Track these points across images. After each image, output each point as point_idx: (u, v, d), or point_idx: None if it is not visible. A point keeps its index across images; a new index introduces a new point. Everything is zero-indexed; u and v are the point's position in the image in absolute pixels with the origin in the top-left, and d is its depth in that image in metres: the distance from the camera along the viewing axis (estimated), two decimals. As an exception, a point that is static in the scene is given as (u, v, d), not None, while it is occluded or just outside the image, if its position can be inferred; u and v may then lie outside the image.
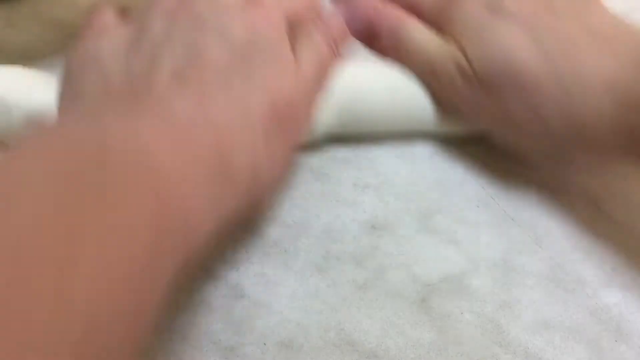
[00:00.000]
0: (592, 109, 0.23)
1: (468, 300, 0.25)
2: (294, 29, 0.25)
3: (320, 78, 0.26)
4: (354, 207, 0.27)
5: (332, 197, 0.28)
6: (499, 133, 0.28)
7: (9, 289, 0.12)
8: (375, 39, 0.28)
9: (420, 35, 0.27)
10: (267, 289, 0.24)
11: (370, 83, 0.28)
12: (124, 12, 0.26)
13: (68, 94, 0.24)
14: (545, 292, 0.25)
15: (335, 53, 0.26)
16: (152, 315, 0.16)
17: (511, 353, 0.23)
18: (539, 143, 0.26)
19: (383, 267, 0.25)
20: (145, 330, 0.16)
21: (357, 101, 0.27)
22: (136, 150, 0.17)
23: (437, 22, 0.28)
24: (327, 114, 0.27)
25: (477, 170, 0.29)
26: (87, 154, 0.16)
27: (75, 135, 0.17)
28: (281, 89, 0.23)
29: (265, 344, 0.23)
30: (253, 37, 0.23)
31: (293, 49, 0.25)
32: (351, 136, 0.29)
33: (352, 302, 0.24)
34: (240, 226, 0.25)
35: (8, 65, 0.27)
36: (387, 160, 0.30)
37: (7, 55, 0.33)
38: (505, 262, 0.26)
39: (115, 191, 0.15)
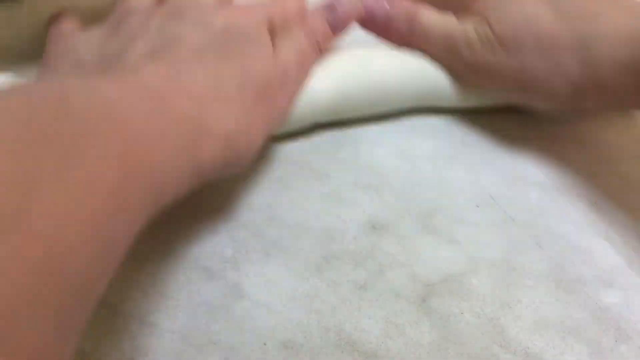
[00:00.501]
0: (611, 60, 0.26)
1: (468, 300, 0.25)
2: (277, 28, 0.27)
3: (300, 67, 0.28)
4: (354, 207, 0.27)
5: (332, 197, 0.28)
6: (517, 93, 0.30)
7: None
8: (391, 30, 0.31)
9: (436, 16, 0.31)
10: (267, 289, 0.24)
11: (372, 63, 0.30)
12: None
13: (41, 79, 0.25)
14: (545, 292, 0.25)
15: (318, 48, 0.29)
16: (116, 254, 0.17)
17: (511, 353, 0.23)
18: (556, 96, 0.28)
19: (383, 267, 0.25)
20: (106, 276, 0.16)
21: (358, 79, 0.30)
22: (100, 106, 0.17)
23: (454, 8, 0.31)
24: (324, 95, 0.29)
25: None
26: (47, 105, 0.16)
27: (36, 91, 0.17)
28: (257, 68, 0.25)
29: (265, 344, 0.23)
30: (231, 26, 0.25)
31: (274, 44, 0.26)
32: (348, 118, 0.31)
33: (352, 302, 0.24)
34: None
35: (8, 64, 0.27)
36: (387, 160, 0.30)
37: (7, 55, 0.33)
38: (505, 262, 0.26)
39: (75, 139, 0.15)
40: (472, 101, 0.32)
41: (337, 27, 0.30)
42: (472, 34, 0.29)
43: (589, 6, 0.28)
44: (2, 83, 0.26)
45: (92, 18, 0.27)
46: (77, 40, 0.26)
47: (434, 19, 0.30)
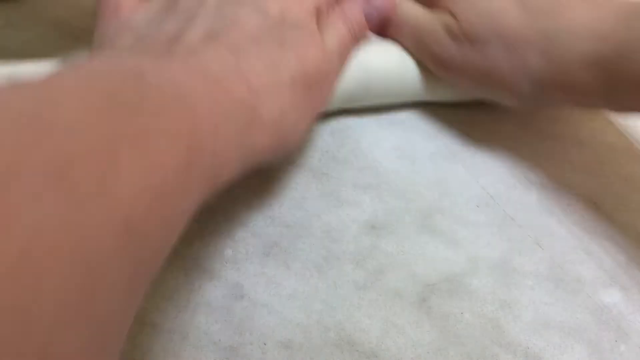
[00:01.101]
0: (574, 54, 0.26)
1: (468, 300, 0.25)
2: (320, 17, 0.28)
3: (342, 55, 0.28)
4: (354, 207, 0.27)
5: (332, 197, 0.28)
6: (483, 89, 0.30)
7: (55, 179, 0.12)
8: (369, 20, 0.32)
9: (409, 8, 0.31)
10: (267, 289, 0.24)
11: (376, 62, 0.31)
12: None
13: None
14: (545, 292, 0.25)
15: (354, 36, 0.30)
16: (176, 230, 0.17)
17: (511, 353, 0.23)
18: (521, 93, 0.28)
19: (383, 267, 0.25)
20: (168, 245, 0.17)
21: (367, 76, 0.31)
22: (171, 86, 0.18)
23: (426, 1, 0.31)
24: (343, 87, 0.30)
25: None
26: (126, 82, 0.16)
27: (113, 64, 0.18)
28: (309, 58, 0.25)
29: (265, 343, 0.23)
30: (286, 14, 0.26)
31: (319, 31, 0.27)
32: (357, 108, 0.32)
33: (352, 302, 0.24)
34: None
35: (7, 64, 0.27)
36: (387, 160, 0.30)
37: (7, 55, 0.33)
38: (505, 262, 0.26)
39: (152, 113, 0.16)
40: (444, 95, 0.32)
41: (371, 19, 0.31)
42: (439, 28, 0.29)
43: (555, 0, 0.27)
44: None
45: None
46: (135, 16, 0.25)
47: (405, 10, 0.31)
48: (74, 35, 0.35)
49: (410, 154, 0.30)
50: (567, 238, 0.27)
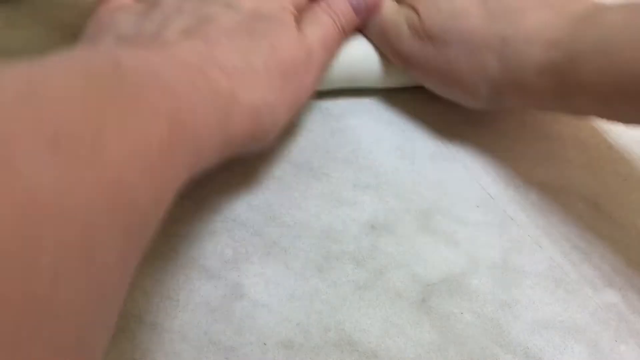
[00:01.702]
0: (529, 58, 0.26)
1: (468, 300, 0.25)
2: (303, 12, 0.29)
3: (325, 49, 0.29)
4: (354, 207, 0.27)
5: (332, 197, 0.28)
6: (442, 88, 0.30)
7: (51, 143, 0.13)
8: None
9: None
10: (267, 289, 0.24)
11: (349, 51, 0.31)
12: None
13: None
14: (545, 292, 0.25)
15: (342, 30, 0.30)
16: (163, 203, 0.18)
17: (511, 353, 0.23)
18: (478, 94, 0.28)
19: (383, 267, 0.25)
20: (156, 218, 0.17)
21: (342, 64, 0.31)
22: (148, 72, 0.19)
23: None
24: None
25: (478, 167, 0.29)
26: (104, 69, 0.17)
27: (91, 55, 0.19)
28: (283, 48, 0.26)
29: (265, 344, 0.23)
30: (258, 8, 0.27)
31: (300, 27, 0.28)
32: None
33: (352, 302, 0.24)
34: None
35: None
36: (387, 160, 0.30)
37: (7, 55, 0.33)
38: (505, 262, 0.26)
39: (131, 93, 0.17)
40: (401, 83, 0.33)
41: (360, 11, 0.31)
42: (402, 23, 0.29)
43: (516, 3, 0.27)
44: None
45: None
46: (117, 18, 0.27)
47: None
48: (74, 35, 0.34)
49: (410, 154, 0.30)
50: (567, 238, 0.27)
